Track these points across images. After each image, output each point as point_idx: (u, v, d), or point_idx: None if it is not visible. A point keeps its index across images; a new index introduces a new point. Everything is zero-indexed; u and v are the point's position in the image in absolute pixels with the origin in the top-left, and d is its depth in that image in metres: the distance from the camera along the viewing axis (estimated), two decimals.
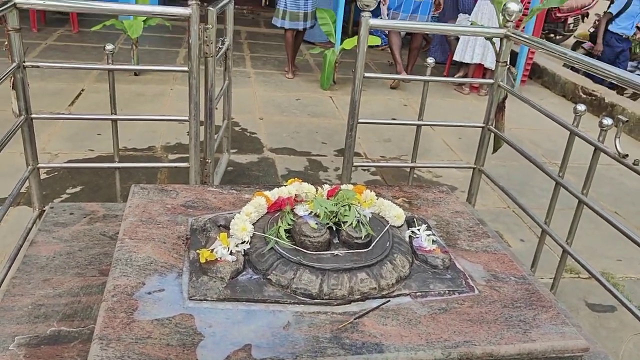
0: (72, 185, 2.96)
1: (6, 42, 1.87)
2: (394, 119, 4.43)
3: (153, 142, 3.60)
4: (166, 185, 1.76)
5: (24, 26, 2.04)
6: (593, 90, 5.25)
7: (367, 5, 2.15)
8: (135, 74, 4.83)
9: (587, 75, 5.61)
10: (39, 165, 2.04)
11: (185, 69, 2.08)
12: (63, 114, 3.82)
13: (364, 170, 3.48)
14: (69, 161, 3.23)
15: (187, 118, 2.13)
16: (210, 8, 2.20)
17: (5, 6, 1.80)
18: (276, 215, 1.44)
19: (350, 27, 6.79)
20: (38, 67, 2.02)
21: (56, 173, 3.06)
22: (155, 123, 3.79)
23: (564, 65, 5.97)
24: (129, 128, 3.58)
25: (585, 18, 9.77)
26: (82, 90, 4.35)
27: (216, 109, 2.50)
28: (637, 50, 7.24)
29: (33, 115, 1.96)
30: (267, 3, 8.18)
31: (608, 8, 6.32)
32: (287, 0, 5.07)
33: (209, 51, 2.19)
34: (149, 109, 4.13)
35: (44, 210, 1.90)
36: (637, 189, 3.61)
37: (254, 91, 4.83)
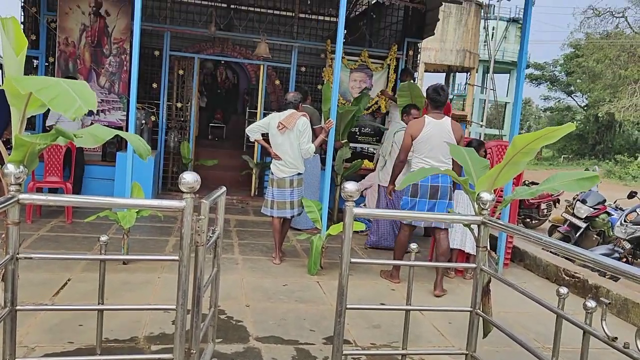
0: None
1: (3, 235, 1.94)
2: (382, 304, 4.39)
3: (136, 332, 3.49)
4: None
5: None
6: (575, 273, 5.34)
7: (351, 196, 2.31)
8: (124, 263, 4.87)
9: (568, 257, 5.77)
10: None
11: (176, 257, 2.13)
12: (47, 304, 3.75)
13: (354, 359, 3.35)
14: (46, 355, 3.08)
15: (174, 307, 2.12)
16: (204, 200, 2.34)
17: (9, 202, 1.91)
18: None
19: (336, 214, 7.08)
20: (31, 258, 2.06)
21: None
22: (139, 312, 3.71)
23: (543, 248, 6.17)
24: (111, 318, 3.49)
25: (557, 204, 10.34)
26: (69, 280, 4.33)
27: (202, 296, 2.50)
28: (610, 233, 7.55)
29: (18, 307, 1.95)
30: (257, 193, 8.61)
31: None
32: (274, 191, 5.38)
33: (200, 240, 2.27)
34: (135, 297, 4.08)
35: None
36: None
37: (241, 277, 4.84)
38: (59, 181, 6.30)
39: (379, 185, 6.25)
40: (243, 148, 10.27)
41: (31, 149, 1.94)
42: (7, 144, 5.93)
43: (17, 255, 1.92)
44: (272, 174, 5.43)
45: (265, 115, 8.24)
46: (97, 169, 7.47)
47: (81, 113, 1.73)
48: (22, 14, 8.08)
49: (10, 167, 1.86)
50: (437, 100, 4.81)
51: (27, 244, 5.21)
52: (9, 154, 2.09)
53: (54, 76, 7.70)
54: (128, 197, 4.82)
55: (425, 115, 4.87)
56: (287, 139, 5.28)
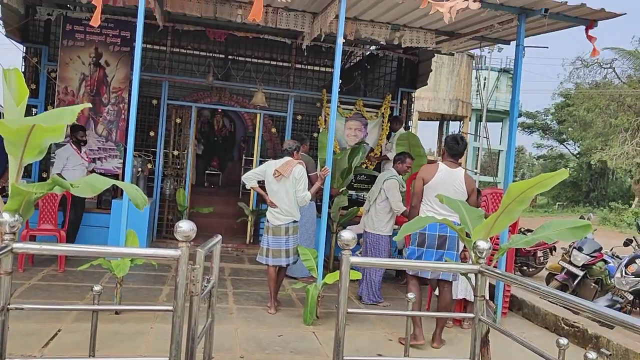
0: None
1: None
2: (379, 355, 4.30)
3: None
4: None
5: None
6: (575, 322, 5.27)
7: (347, 245, 2.30)
8: (116, 312, 4.77)
9: (569, 308, 5.70)
10: None
11: (170, 308, 2.10)
12: (36, 357, 3.65)
13: None
14: None
15: (167, 358, 2.08)
16: (199, 249, 2.32)
17: (2, 251, 1.89)
18: None
19: (332, 262, 7.02)
20: (22, 309, 2.03)
21: None
22: None
23: (542, 297, 6.10)
24: None
25: (554, 251, 10.30)
26: (59, 330, 4.23)
27: (196, 348, 2.44)
28: (608, 281, 7.50)
29: None
30: (252, 240, 8.56)
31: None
32: (269, 239, 5.36)
33: (194, 290, 2.25)
34: (127, 348, 3.98)
35: None
36: None
37: (235, 327, 4.75)
38: (53, 229, 6.26)
39: (364, 231, 6.19)
40: (239, 195, 10.27)
41: (27, 198, 1.94)
42: (3, 191, 5.93)
43: (8, 306, 1.89)
44: (268, 221, 5.42)
45: (261, 162, 8.33)
46: (92, 216, 7.44)
47: (72, 120, 1.77)
48: (23, 64, 8.22)
49: (5, 216, 1.86)
50: (455, 149, 4.73)
51: (17, 293, 5.11)
52: (4, 202, 2.09)
53: None
54: (123, 245, 4.78)
55: (438, 162, 4.84)
56: (283, 186, 5.30)
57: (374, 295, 5.93)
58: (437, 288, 4.87)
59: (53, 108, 7.78)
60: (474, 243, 2.42)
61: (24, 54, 8.22)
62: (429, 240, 4.57)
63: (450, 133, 35.01)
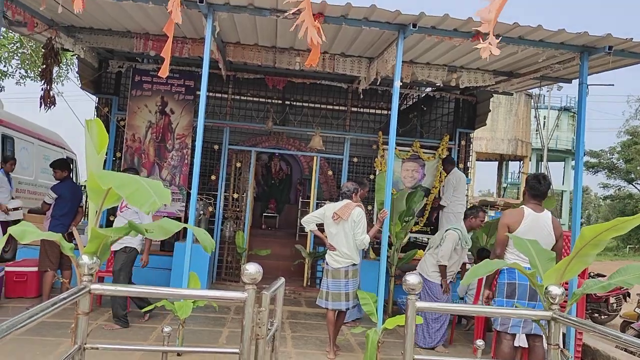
0: None
1: (73, 325, 1.99)
2: None
3: None
4: None
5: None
6: None
7: (413, 289, 2.26)
8: (178, 354, 4.83)
9: None
10: None
11: (236, 350, 2.12)
12: None
13: None
14: None
15: None
16: (265, 292, 2.34)
17: (81, 292, 1.97)
18: None
19: (390, 306, 6.88)
20: (97, 348, 2.09)
21: None
22: None
23: (617, 346, 5.71)
24: None
25: (628, 297, 9.70)
26: None
27: None
28: None
29: None
30: (309, 283, 8.53)
31: None
32: (329, 282, 5.32)
33: (260, 333, 2.26)
34: None
35: None
36: None
37: None
38: None
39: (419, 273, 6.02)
40: (296, 237, 10.33)
41: (104, 241, 2.03)
42: (70, 236, 6.23)
43: (85, 346, 1.95)
44: (327, 264, 5.40)
45: (318, 205, 8.39)
46: (154, 258, 7.66)
47: (155, 208, 1.83)
48: (95, 113, 8.75)
49: (84, 258, 1.95)
50: (538, 189, 4.38)
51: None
52: (74, 245, 2.19)
53: (119, 170, 8.20)
54: (185, 287, 4.88)
55: (523, 206, 4.44)
56: (342, 229, 5.29)
57: (430, 338, 5.73)
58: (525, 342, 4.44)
59: (121, 154, 8.21)
60: (546, 288, 2.32)
61: (96, 104, 8.76)
62: (520, 290, 4.19)
63: (510, 173, 34.12)
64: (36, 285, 6.66)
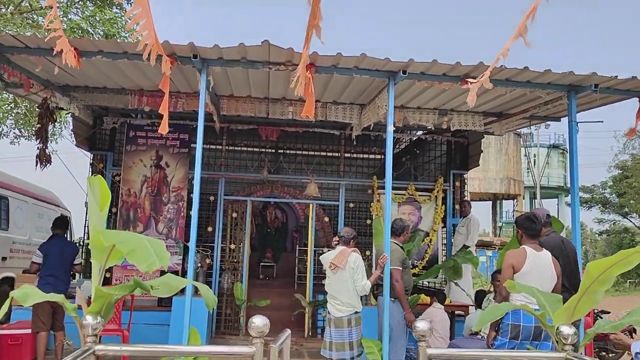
0: None
1: None
2: None
3: None
4: None
5: None
6: None
7: (423, 335, 2.22)
8: None
9: None
10: None
11: None
12: None
13: None
14: None
15: None
16: (273, 345, 2.30)
17: (85, 354, 1.93)
18: None
19: None
20: None
21: None
22: None
23: None
24: None
25: (634, 333, 9.56)
26: None
27: None
28: None
29: None
30: (310, 333, 8.36)
31: None
32: (332, 332, 5.22)
33: None
34: None
35: None
36: None
37: None
38: (117, 329, 6.33)
39: None
40: (294, 286, 10.18)
41: (109, 300, 1.99)
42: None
43: None
44: (329, 313, 5.31)
45: (315, 252, 8.35)
46: (152, 314, 7.50)
47: (154, 268, 1.81)
48: (90, 169, 8.76)
49: (89, 319, 1.91)
50: (532, 229, 4.41)
51: None
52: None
53: (115, 227, 8.14)
54: (185, 342, 4.76)
55: (524, 246, 4.42)
56: (340, 278, 5.22)
57: None
58: None
59: (117, 209, 8.17)
60: (557, 329, 2.28)
61: (91, 161, 8.78)
62: (524, 332, 4.14)
63: (505, 212, 34.18)
64: (31, 347, 6.47)
